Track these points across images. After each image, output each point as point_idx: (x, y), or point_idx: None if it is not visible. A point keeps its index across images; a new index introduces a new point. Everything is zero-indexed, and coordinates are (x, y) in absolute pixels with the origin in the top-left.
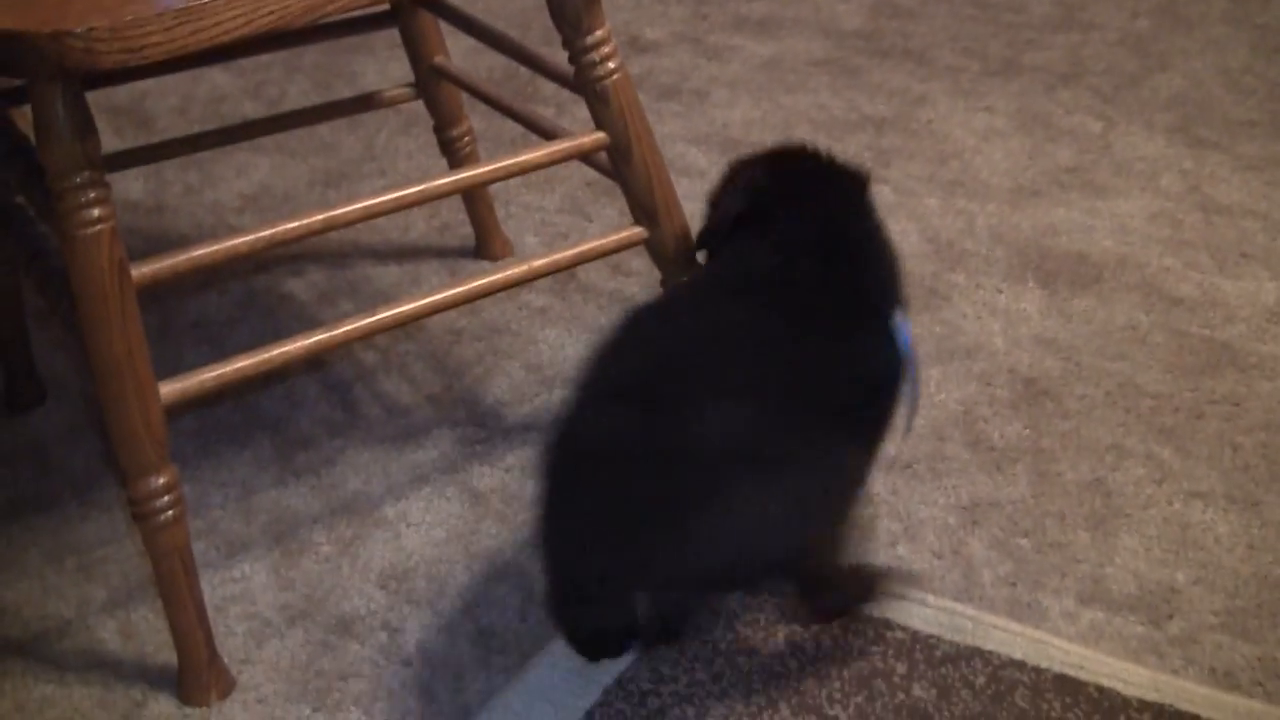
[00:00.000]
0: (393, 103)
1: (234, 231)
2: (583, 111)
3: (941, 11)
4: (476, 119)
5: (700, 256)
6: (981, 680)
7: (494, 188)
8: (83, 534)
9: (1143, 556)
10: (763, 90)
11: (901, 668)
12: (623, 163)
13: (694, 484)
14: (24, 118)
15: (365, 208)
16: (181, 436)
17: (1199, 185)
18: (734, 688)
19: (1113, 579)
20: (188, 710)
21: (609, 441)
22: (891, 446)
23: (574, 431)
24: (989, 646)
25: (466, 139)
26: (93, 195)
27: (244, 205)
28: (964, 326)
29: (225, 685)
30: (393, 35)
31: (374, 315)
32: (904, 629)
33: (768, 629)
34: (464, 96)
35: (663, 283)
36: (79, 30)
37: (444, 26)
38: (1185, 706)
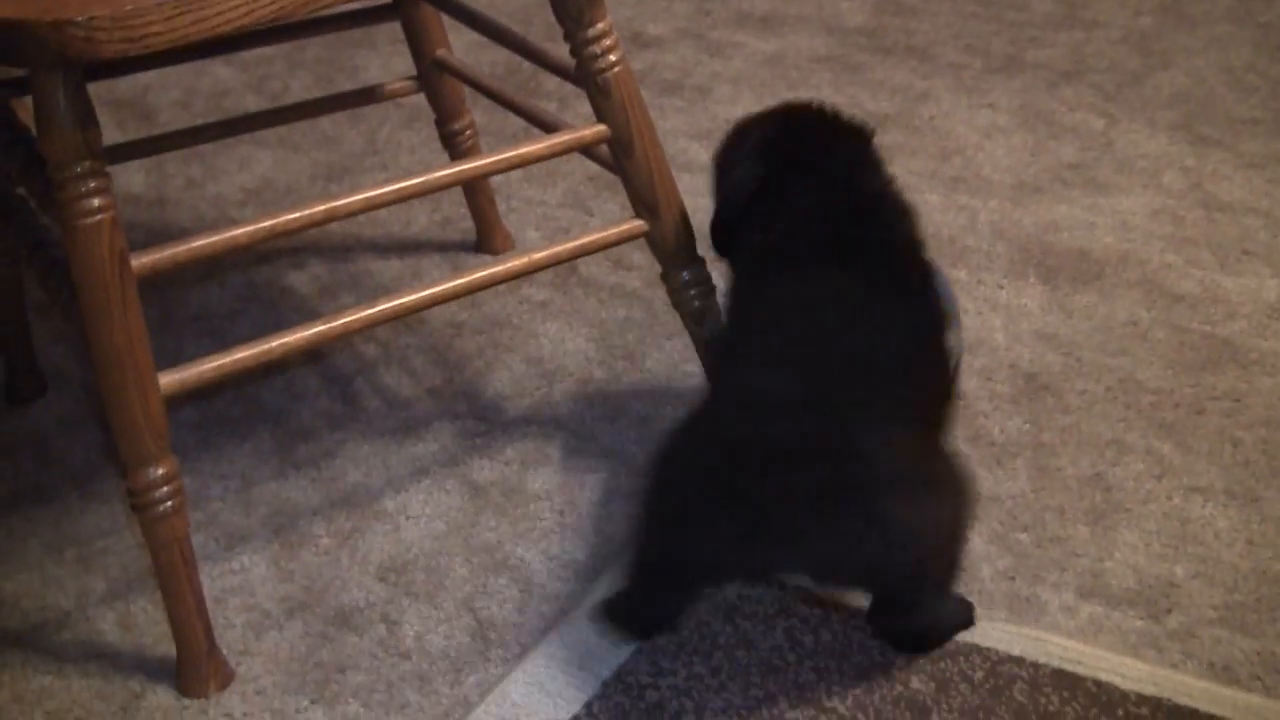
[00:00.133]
0: (394, 96)
1: (235, 223)
2: (586, 107)
3: (944, 9)
4: (479, 113)
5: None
6: (980, 674)
7: (495, 182)
8: (82, 525)
9: (1142, 551)
10: (765, 86)
11: (900, 661)
12: (624, 156)
13: (856, 481)
14: (25, 108)
15: (366, 199)
16: (182, 428)
17: (1201, 182)
18: (732, 681)
19: (1112, 573)
20: (186, 701)
21: (763, 438)
22: None
23: (722, 427)
24: (987, 642)
25: (468, 133)
26: (93, 185)
27: (246, 199)
28: (965, 322)
29: (224, 677)
30: (395, 30)
31: (374, 307)
32: None
33: (767, 622)
34: (466, 90)
35: (663, 275)
36: (80, 19)
37: (446, 20)
38: (1184, 701)
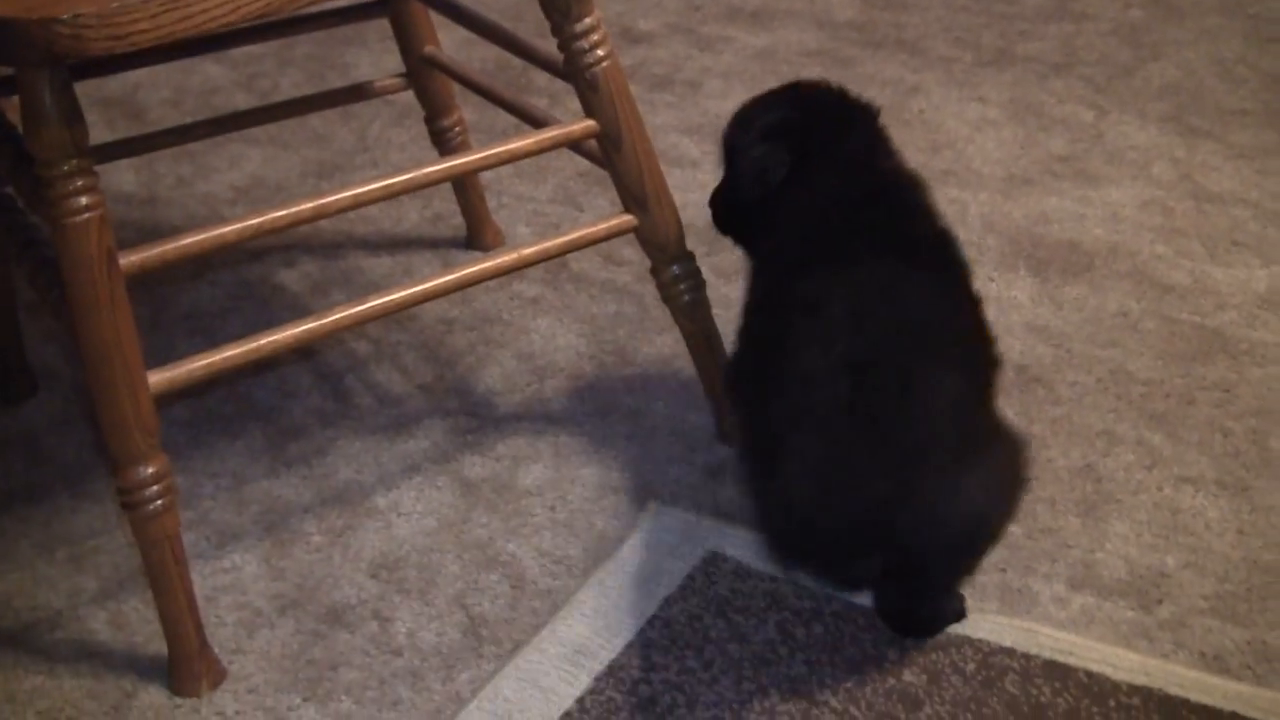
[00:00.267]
0: (383, 93)
1: (224, 221)
2: (576, 103)
3: (934, 2)
4: (469, 110)
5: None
6: (971, 666)
7: (486, 178)
8: (74, 525)
9: (1133, 541)
10: (756, 81)
11: (892, 654)
12: (613, 150)
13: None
14: (12, 107)
15: (354, 196)
16: (173, 426)
17: (1191, 174)
18: (724, 675)
19: (1103, 564)
20: (178, 700)
21: (863, 398)
22: None
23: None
24: (979, 634)
25: (458, 129)
26: (81, 183)
27: (236, 197)
28: None
29: (216, 675)
30: (386, 27)
31: (363, 304)
32: None
33: (758, 616)
34: (456, 87)
35: (653, 270)
36: (66, 17)
37: (436, 17)
38: (1175, 690)
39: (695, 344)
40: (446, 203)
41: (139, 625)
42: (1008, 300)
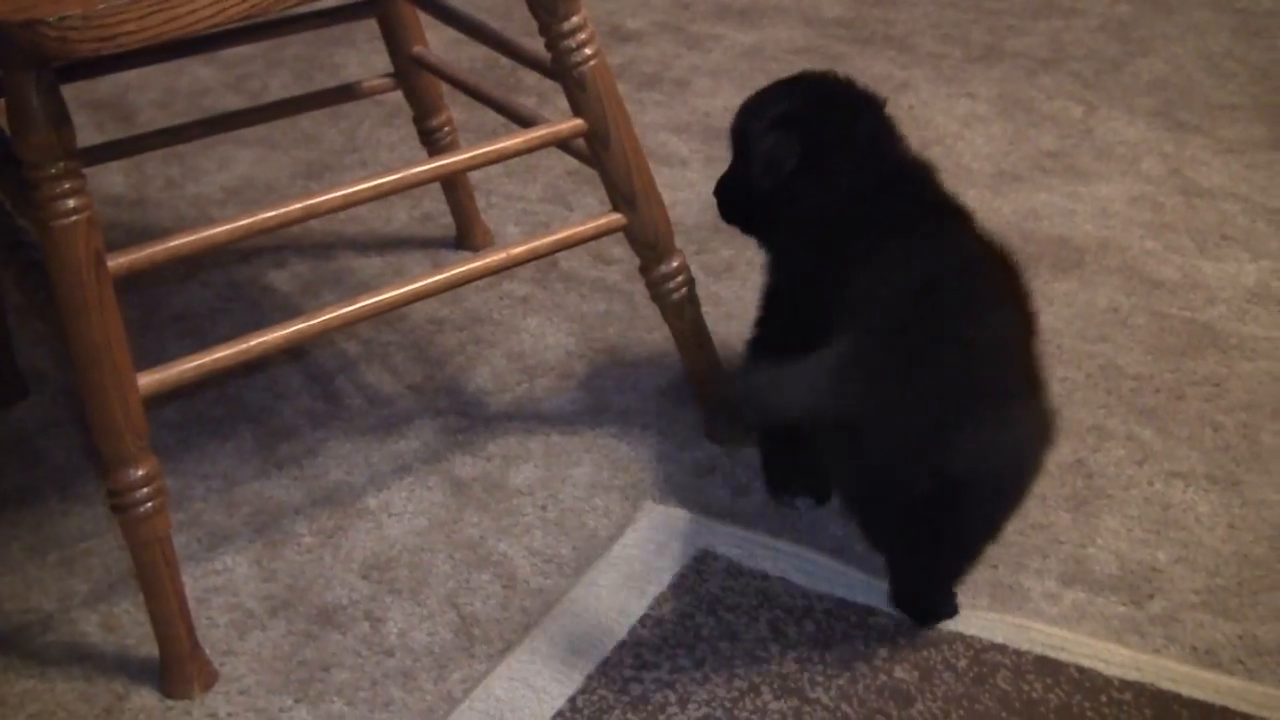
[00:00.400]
0: (372, 93)
1: (212, 222)
2: (565, 103)
3: None
4: (458, 110)
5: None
6: (963, 663)
7: (475, 178)
8: (65, 528)
9: (1124, 537)
10: (745, 79)
11: (884, 651)
12: (601, 149)
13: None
14: None
15: (344, 196)
16: (164, 428)
17: (1180, 169)
18: (716, 673)
19: (1094, 559)
20: (170, 703)
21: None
22: None
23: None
24: (970, 630)
25: (447, 129)
26: (69, 185)
27: (226, 198)
28: None
29: (208, 677)
30: (374, 28)
31: (353, 304)
32: (886, 613)
33: (750, 614)
34: (444, 87)
35: (642, 269)
36: (52, 19)
37: (425, 18)
38: (1166, 685)
39: (685, 342)
40: (436, 202)
41: (130, 627)
42: None
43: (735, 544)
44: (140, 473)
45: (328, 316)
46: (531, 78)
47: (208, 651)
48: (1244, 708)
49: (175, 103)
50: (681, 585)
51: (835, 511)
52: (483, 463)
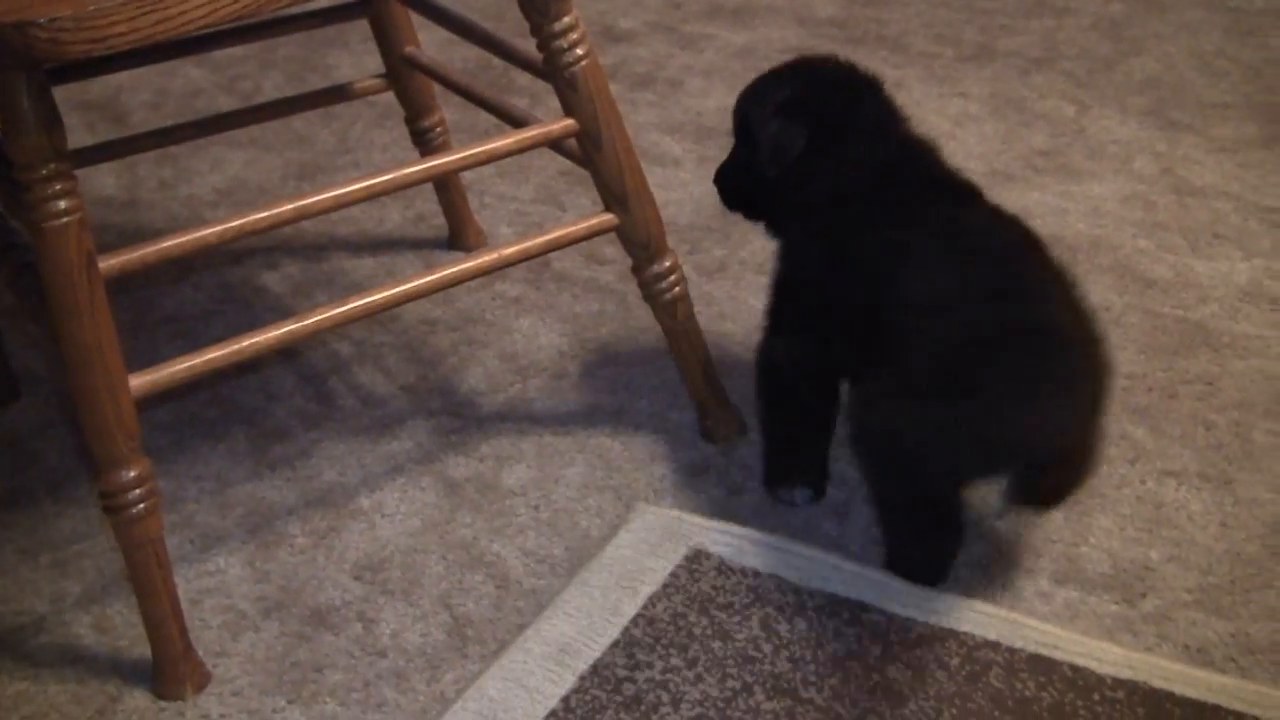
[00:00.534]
0: (364, 94)
1: (204, 223)
2: (557, 103)
3: None
4: (450, 111)
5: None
6: (956, 661)
7: (467, 178)
8: (58, 529)
9: (1117, 535)
10: (737, 79)
11: (876, 649)
12: (593, 149)
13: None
14: None
15: (335, 197)
16: (156, 430)
17: (1172, 167)
18: (709, 673)
19: (1087, 558)
20: (163, 704)
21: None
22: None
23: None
24: (963, 628)
25: (439, 129)
26: (60, 187)
27: (218, 199)
28: None
29: (201, 678)
30: (366, 29)
31: (346, 305)
32: (879, 610)
33: (742, 613)
34: (436, 88)
35: (635, 269)
36: (43, 20)
37: (416, 18)
38: (1159, 684)
39: (677, 342)
40: (428, 203)
41: (123, 629)
42: None
43: (726, 541)
44: (132, 474)
45: (320, 317)
46: (523, 78)
47: (200, 653)
48: (1236, 706)
49: (167, 104)
50: (674, 585)
51: (829, 509)
52: (475, 463)
